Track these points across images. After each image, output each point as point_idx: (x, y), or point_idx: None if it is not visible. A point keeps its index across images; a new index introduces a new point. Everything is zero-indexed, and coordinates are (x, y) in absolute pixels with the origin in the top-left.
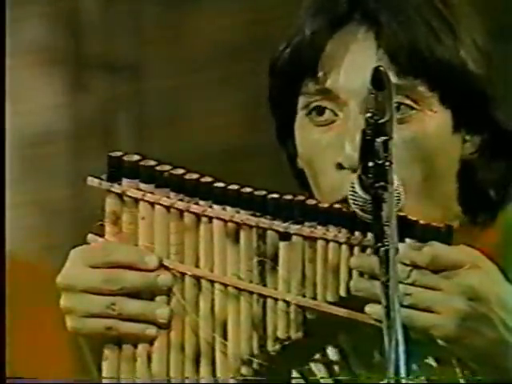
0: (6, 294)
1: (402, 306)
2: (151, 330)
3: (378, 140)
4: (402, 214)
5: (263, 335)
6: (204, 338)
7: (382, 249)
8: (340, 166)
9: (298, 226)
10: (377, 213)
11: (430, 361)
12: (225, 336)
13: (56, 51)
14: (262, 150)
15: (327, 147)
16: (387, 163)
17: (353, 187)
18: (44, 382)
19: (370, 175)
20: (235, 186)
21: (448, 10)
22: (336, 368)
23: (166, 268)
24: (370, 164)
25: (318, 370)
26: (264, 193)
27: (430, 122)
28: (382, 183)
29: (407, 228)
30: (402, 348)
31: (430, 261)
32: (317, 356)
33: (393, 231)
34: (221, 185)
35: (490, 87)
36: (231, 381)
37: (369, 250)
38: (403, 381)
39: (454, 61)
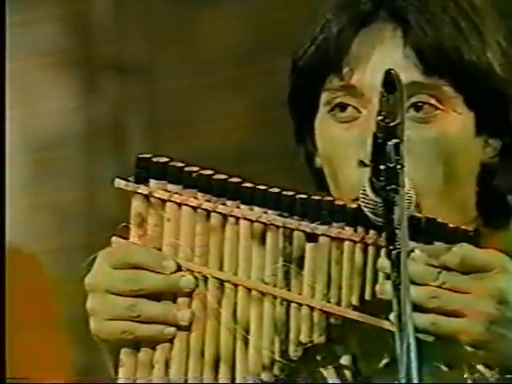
0: (5, 295)
1: (427, 310)
2: (170, 330)
3: (390, 143)
4: (430, 216)
5: (285, 339)
6: (225, 342)
7: (394, 252)
8: (362, 163)
9: (325, 227)
10: (388, 216)
11: (441, 366)
12: (246, 340)
13: (68, 53)
14: (275, 151)
15: (349, 144)
16: (398, 166)
17: (364, 190)
18: (44, 382)
19: (382, 178)
20: (263, 187)
21: (474, 11)
22: (347, 373)
23: (190, 271)
24: (382, 167)
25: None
26: (292, 193)
27: (453, 123)
28: (394, 186)
29: (436, 230)
30: (413, 351)
31: (460, 261)
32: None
33: (404, 234)
34: (249, 185)
35: None
36: (250, 381)
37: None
38: (415, 381)
39: (480, 62)
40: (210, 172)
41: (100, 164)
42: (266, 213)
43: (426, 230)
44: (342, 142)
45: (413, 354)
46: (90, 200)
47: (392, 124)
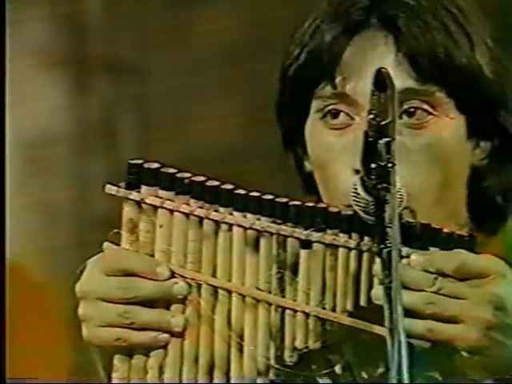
0: (6, 295)
1: (423, 317)
2: (163, 336)
3: (381, 141)
4: (425, 222)
5: (280, 345)
6: (219, 349)
7: (385, 250)
8: (356, 172)
9: (319, 234)
10: (379, 214)
11: (435, 374)
12: (241, 346)
13: (59, 53)
14: (267, 151)
15: (343, 151)
16: (390, 165)
17: (355, 189)
18: (44, 382)
19: (373, 177)
20: (256, 193)
21: (462, 14)
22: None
23: (183, 277)
24: (373, 165)
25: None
26: (285, 200)
27: (446, 128)
28: (385, 185)
29: (431, 236)
30: (404, 349)
31: (457, 267)
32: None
33: (395, 233)
34: (242, 192)
35: (502, 92)
36: (246, 381)
37: None
38: (406, 381)
39: (471, 66)
40: (202, 178)
41: (92, 163)
42: (259, 220)
43: (421, 236)
44: (335, 149)
45: (404, 353)
46: (81, 199)
47: (383, 122)
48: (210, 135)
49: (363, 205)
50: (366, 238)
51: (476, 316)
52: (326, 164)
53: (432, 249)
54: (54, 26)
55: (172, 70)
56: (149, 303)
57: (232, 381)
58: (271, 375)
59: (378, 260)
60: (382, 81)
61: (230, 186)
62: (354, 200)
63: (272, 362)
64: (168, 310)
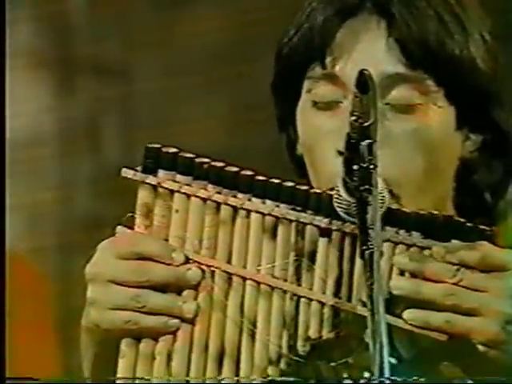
0: (5, 295)
1: (442, 309)
2: (174, 321)
3: (363, 143)
4: (447, 214)
5: (294, 334)
6: (230, 336)
7: (367, 251)
8: (340, 153)
9: (339, 222)
10: (361, 216)
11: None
12: (253, 334)
13: (45, 54)
14: (253, 152)
15: (329, 133)
16: (371, 166)
17: (337, 190)
18: (44, 382)
19: (355, 178)
20: (276, 180)
21: (459, 5)
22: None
23: (197, 263)
24: (355, 167)
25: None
26: (306, 187)
27: (433, 117)
28: (367, 186)
29: (453, 228)
30: (386, 350)
31: (480, 259)
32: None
33: (377, 234)
34: (261, 178)
35: (495, 86)
36: (256, 381)
37: (413, 249)
38: (387, 382)
39: (463, 56)
40: (221, 164)
41: (76, 164)
42: (278, 206)
43: (442, 228)
44: (322, 131)
45: (385, 353)
46: (64, 200)
47: (365, 124)
48: (196, 136)
49: (345, 206)
50: (387, 228)
51: (495, 309)
52: (314, 146)
53: (453, 241)
54: (40, 28)
55: (159, 71)
56: (161, 288)
57: (242, 369)
58: (282, 364)
59: (399, 250)
60: (364, 82)
61: (249, 172)
62: (337, 201)
63: (284, 351)
64: (180, 296)
